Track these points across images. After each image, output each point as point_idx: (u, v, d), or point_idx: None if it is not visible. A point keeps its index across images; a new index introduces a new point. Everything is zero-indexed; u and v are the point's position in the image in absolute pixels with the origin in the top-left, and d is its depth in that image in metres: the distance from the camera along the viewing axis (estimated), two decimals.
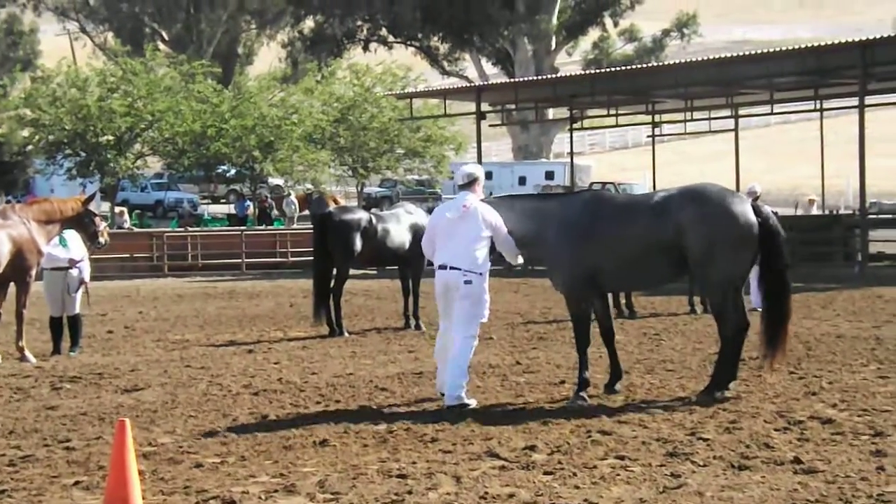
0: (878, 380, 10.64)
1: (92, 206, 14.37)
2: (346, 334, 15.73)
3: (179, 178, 51.56)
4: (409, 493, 6.94)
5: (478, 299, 9.96)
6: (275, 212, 45.43)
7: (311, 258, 17.30)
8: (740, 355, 10.10)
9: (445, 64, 57.39)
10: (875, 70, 27.37)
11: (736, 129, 36.21)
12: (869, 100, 28.59)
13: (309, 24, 59.02)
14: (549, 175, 52.05)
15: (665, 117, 38.78)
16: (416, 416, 9.44)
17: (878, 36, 26.39)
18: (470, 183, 10.29)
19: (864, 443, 7.89)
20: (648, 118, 38.44)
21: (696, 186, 10.14)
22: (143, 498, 6.51)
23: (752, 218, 9.73)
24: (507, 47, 53.39)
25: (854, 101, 28.04)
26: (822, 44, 27.47)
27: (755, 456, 7.57)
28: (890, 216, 34.41)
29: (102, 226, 14.34)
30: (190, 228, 37.90)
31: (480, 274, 9.94)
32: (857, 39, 26.92)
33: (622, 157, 78.05)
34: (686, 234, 9.67)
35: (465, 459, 7.78)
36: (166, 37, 67.24)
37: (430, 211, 17.46)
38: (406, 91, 43.76)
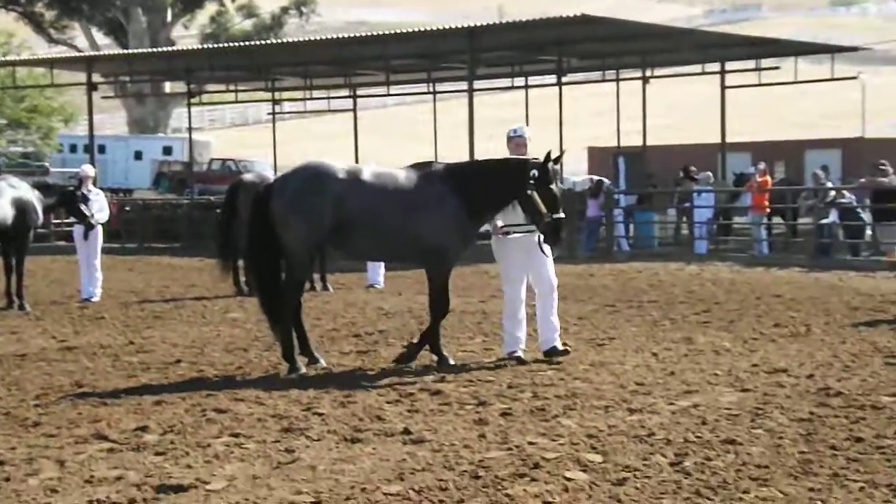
0: (484, 351, 11.18)
1: None
2: None
3: None
4: (7, 479, 6.51)
5: None
6: None
7: None
8: None
9: (52, 32, 54.35)
10: (481, 55, 28.74)
11: (354, 109, 36.94)
12: (477, 84, 30.01)
13: None
14: (167, 150, 50.71)
15: (285, 95, 38.88)
16: (17, 400, 8.88)
17: (484, 23, 27.69)
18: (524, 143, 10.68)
19: (469, 412, 8.24)
20: (269, 95, 38.38)
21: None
22: None
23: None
24: (121, 17, 51.38)
25: (464, 85, 29.36)
26: (434, 28, 28.48)
27: (367, 429, 7.71)
28: None
29: None
30: None
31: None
32: (465, 25, 28.18)
33: (243, 134, 77.55)
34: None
35: (70, 443, 7.40)
36: None
37: (35, 186, 16.52)
38: (7, 59, 41.09)
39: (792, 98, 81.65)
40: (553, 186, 9.92)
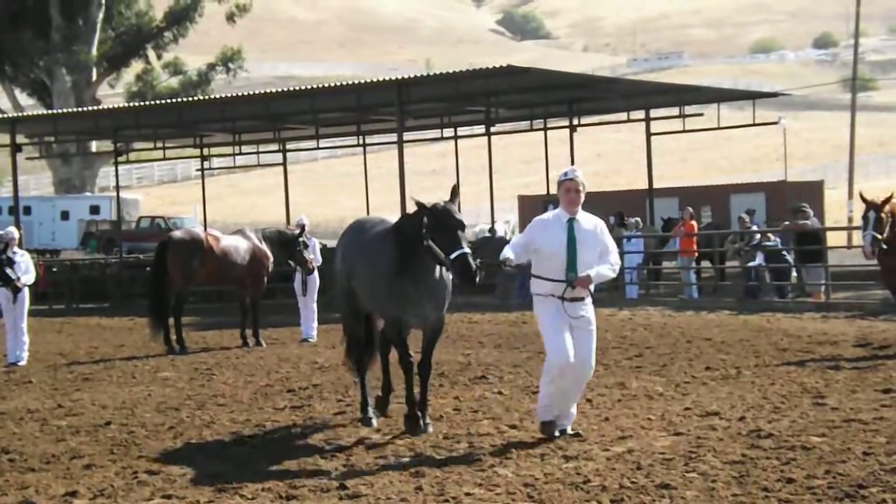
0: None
1: None
2: None
3: None
4: None
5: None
6: None
7: None
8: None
9: None
10: (410, 107, 28.91)
11: (284, 163, 36.88)
12: (407, 135, 30.16)
13: None
14: (95, 209, 50.13)
15: (214, 150, 38.71)
16: None
17: (412, 75, 27.88)
18: None
19: (405, 465, 8.20)
20: (197, 151, 38.20)
21: None
22: None
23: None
24: (44, 78, 50.90)
25: (393, 137, 29.48)
26: (362, 81, 28.60)
27: (303, 485, 7.64)
28: None
29: None
30: None
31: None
32: (393, 78, 28.35)
33: (172, 190, 77.04)
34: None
35: None
36: None
37: None
38: None
39: (716, 144, 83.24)
40: (448, 224, 8.89)
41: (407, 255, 9.32)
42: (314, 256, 18.69)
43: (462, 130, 35.83)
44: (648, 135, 31.85)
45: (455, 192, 9.33)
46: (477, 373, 13.24)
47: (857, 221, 17.34)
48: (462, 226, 8.99)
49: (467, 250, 8.81)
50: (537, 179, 40.33)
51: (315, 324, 18.71)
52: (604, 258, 8.90)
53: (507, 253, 8.82)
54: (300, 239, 18.26)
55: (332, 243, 36.82)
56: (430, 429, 9.41)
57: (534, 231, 8.96)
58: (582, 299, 8.83)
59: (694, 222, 25.88)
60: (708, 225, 30.15)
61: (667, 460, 7.81)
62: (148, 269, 21.37)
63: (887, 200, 13.84)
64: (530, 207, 36.81)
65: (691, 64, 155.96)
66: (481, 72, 26.12)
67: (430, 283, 9.38)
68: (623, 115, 33.92)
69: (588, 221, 8.96)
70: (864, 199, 14.01)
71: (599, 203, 34.97)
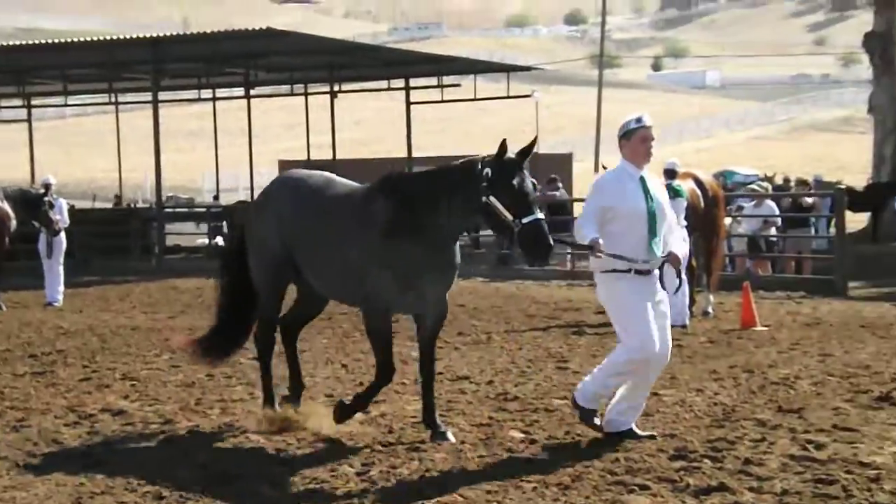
0: (171, 369, 10.92)
1: None
2: None
3: None
4: None
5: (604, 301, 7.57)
6: None
7: None
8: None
9: None
10: (166, 67, 28.11)
11: (29, 120, 35.20)
12: (163, 95, 29.31)
13: None
14: None
15: None
16: None
17: (168, 34, 27.11)
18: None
19: (154, 432, 8.03)
20: None
21: None
22: None
23: None
24: None
25: (148, 97, 28.59)
26: (116, 38, 27.55)
27: (43, 453, 7.37)
28: (185, 210, 35.57)
29: None
30: None
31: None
32: (148, 35, 27.46)
33: None
34: None
35: None
36: None
37: None
38: None
39: (473, 115, 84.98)
40: (517, 183, 7.06)
41: (410, 220, 7.37)
42: (61, 217, 17.99)
43: (221, 92, 35.12)
44: (408, 104, 32.19)
45: (527, 149, 7.25)
46: None
47: None
48: (535, 185, 7.31)
49: (541, 216, 7.11)
50: (298, 145, 40.03)
51: (61, 287, 18.05)
52: (673, 231, 7.51)
53: (590, 232, 7.09)
54: (45, 199, 17.50)
55: (81, 203, 35.73)
56: (450, 434, 7.58)
57: (605, 193, 7.29)
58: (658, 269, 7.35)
59: None
60: None
61: (417, 423, 7.95)
62: None
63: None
64: None
65: (450, 35, 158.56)
66: (240, 33, 25.65)
67: (441, 259, 7.50)
68: (384, 84, 34.12)
69: (656, 182, 7.57)
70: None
71: (359, 171, 35.26)
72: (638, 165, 7.35)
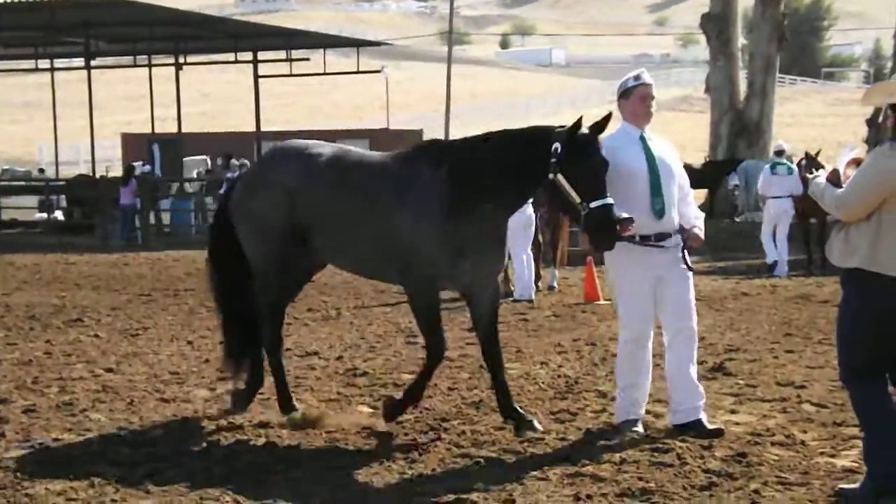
0: (7, 346, 10.59)
1: None
2: None
3: None
4: None
5: None
6: None
7: None
8: None
9: None
10: (1, 35, 27.10)
11: None
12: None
13: None
14: None
15: None
16: None
17: (2, 1, 26.04)
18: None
19: None
20: None
21: None
22: None
23: None
24: None
25: None
26: None
27: None
28: (22, 183, 34.37)
29: None
30: None
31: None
32: None
33: None
34: None
35: None
36: None
37: None
38: None
39: (323, 89, 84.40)
40: (590, 163, 6.53)
41: (464, 192, 6.76)
42: None
43: (59, 62, 34.00)
44: (256, 77, 31.74)
45: (601, 124, 6.70)
46: (72, 315, 12.75)
47: None
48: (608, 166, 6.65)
49: (611, 201, 6.49)
50: (142, 118, 39.12)
51: None
52: (685, 200, 7.04)
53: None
54: None
55: None
56: (537, 422, 7.02)
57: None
58: (670, 236, 6.84)
59: None
60: None
61: (265, 400, 7.91)
62: None
63: None
64: (135, 146, 35.71)
65: (298, 9, 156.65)
66: (79, 2, 24.87)
67: (493, 234, 6.94)
68: (231, 56, 33.57)
69: (661, 142, 7.07)
70: None
71: (207, 144, 34.73)
72: (638, 125, 6.92)
